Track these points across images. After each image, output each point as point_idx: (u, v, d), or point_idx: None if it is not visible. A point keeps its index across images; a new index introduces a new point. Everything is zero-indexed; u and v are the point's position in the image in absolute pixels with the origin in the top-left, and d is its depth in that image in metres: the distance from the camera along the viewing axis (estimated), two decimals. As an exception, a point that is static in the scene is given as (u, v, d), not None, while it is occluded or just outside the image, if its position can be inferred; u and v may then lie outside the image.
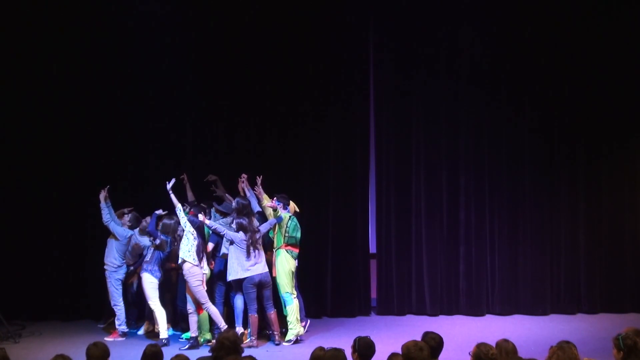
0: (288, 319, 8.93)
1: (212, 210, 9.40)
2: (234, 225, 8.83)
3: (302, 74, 10.60)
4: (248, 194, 9.10)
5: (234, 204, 8.98)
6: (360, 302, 10.64)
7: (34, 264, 10.40)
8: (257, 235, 8.78)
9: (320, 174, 10.66)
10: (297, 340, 8.93)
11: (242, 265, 8.66)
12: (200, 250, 8.74)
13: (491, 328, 9.70)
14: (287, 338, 8.90)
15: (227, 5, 10.49)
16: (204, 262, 8.84)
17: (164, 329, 8.97)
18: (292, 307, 8.91)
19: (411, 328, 9.54)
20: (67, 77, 10.42)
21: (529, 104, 10.68)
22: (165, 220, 9.06)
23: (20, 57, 10.36)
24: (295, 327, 8.92)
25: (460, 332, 9.31)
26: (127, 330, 9.37)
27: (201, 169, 10.27)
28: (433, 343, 5.40)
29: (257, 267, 8.70)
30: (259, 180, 9.02)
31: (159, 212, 9.12)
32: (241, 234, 8.69)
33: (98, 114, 10.48)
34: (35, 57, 10.37)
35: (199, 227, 8.81)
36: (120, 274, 9.36)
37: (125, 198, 10.07)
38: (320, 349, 5.22)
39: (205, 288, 8.81)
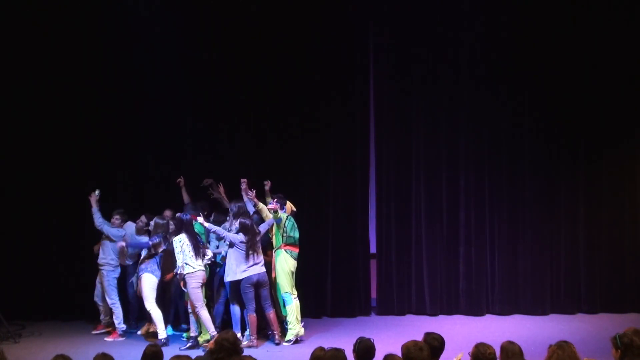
0: (288, 318, 8.94)
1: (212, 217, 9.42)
2: (234, 227, 8.84)
3: (302, 75, 10.59)
4: (245, 198, 9.10)
5: (233, 208, 8.98)
6: (360, 302, 10.64)
7: (33, 264, 10.40)
8: (257, 237, 8.80)
9: (320, 174, 10.65)
10: (297, 341, 8.93)
11: (240, 267, 8.68)
12: (198, 247, 8.72)
13: (491, 328, 9.70)
14: (286, 338, 8.91)
15: (228, 7, 10.49)
16: (206, 257, 8.81)
17: (162, 329, 8.97)
18: (292, 307, 8.92)
19: (411, 328, 9.55)
20: (66, 79, 10.41)
21: (529, 104, 10.68)
22: (157, 220, 9.15)
23: (19, 59, 10.34)
24: (295, 327, 8.92)
25: (460, 332, 9.30)
26: (125, 327, 9.39)
27: (201, 169, 10.29)
28: (436, 343, 5.38)
29: (254, 268, 8.72)
30: (267, 185, 9.26)
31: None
32: (241, 236, 8.70)
33: (97, 116, 10.47)
34: (35, 59, 10.35)
35: (188, 224, 8.78)
36: (117, 272, 9.46)
37: (125, 198, 10.10)
38: (320, 349, 5.22)
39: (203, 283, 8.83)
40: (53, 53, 10.37)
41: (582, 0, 10.57)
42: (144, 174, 10.57)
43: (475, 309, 10.58)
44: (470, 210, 10.68)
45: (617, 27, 10.50)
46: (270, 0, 10.48)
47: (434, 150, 10.73)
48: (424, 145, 10.74)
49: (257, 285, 8.75)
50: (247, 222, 8.71)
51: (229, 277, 8.76)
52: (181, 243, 8.66)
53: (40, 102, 10.44)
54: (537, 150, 10.68)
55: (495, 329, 9.61)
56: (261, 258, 8.83)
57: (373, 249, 10.81)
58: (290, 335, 8.90)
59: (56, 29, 10.35)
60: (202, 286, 8.75)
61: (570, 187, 10.73)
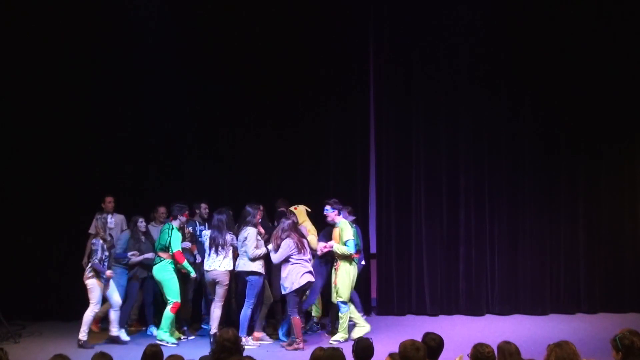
0: (340, 322, 8.89)
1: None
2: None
3: (301, 73, 10.61)
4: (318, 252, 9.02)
5: (285, 225, 8.73)
6: (360, 302, 10.62)
7: (34, 265, 10.41)
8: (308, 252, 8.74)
9: (320, 173, 10.66)
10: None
11: (298, 276, 8.61)
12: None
13: (491, 328, 9.71)
14: (333, 338, 8.86)
15: (226, 3, 10.49)
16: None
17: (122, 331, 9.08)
18: (345, 315, 8.88)
19: (411, 328, 9.54)
20: (66, 78, 10.42)
21: (529, 104, 10.69)
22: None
23: (20, 62, 10.36)
24: (344, 333, 8.86)
25: (460, 332, 9.31)
26: None
27: (201, 169, 10.30)
28: (433, 344, 5.37)
29: (307, 275, 8.66)
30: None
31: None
32: (291, 247, 8.58)
33: (96, 116, 10.49)
34: (34, 62, 10.37)
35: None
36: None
37: (125, 199, 10.10)
38: (320, 349, 5.22)
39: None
40: (53, 53, 10.38)
41: (583, 1, 10.57)
42: (144, 173, 10.56)
43: (475, 309, 10.58)
44: (470, 210, 10.69)
45: (617, 28, 10.51)
46: None
47: (434, 150, 10.73)
48: (424, 145, 10.74)
49: (304, 291, 8.77)
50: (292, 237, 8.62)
51: (289, 287, 8.61)
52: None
53: (38, 103, 10.45)
54: (537, 150, 10.69)
55: (495, 329, 9.61)
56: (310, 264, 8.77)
57: (373, 249, 10.81)
58: (338, 337, 8.83)
59: (56, 29, 10.35)
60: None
61: (570, 186, 10.74)
